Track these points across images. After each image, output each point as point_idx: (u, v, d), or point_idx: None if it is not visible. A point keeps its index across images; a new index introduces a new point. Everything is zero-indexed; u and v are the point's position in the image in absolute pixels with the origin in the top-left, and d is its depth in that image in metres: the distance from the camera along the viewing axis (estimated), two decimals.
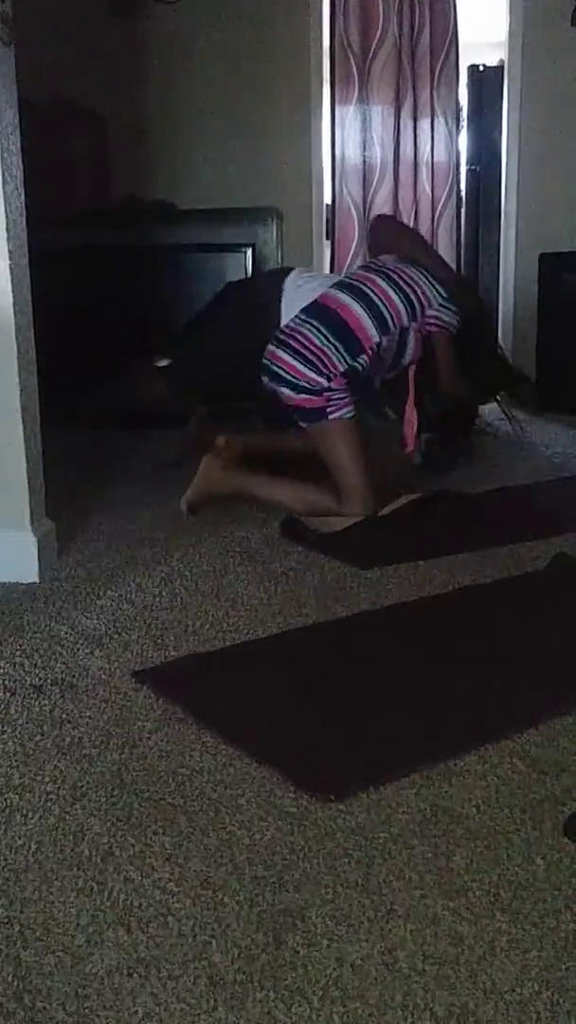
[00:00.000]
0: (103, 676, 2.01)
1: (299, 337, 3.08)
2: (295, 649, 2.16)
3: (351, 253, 5.39)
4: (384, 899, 1.31)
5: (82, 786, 1.60)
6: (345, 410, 3.07)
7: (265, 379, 3.13)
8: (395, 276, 3.18)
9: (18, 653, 2.13)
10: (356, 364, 3.07)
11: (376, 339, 3.08)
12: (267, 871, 1.37)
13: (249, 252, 4.70)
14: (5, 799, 1.57)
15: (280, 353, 3.08)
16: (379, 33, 5.21)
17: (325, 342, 3.05)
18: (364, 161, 5.36)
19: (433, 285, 3.19)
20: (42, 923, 1.28)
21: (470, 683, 1.95)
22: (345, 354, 3.05)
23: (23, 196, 2.55)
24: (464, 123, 5.60)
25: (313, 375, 3.04)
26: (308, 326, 3.09)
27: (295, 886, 1.34)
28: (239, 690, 1.95)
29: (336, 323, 3.07)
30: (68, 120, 4.88)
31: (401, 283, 3.16)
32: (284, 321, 3.22)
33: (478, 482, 3.55)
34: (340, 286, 3.20)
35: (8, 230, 2.45)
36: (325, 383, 3.04)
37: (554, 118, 5.18)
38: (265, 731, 1.76)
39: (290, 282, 3.37)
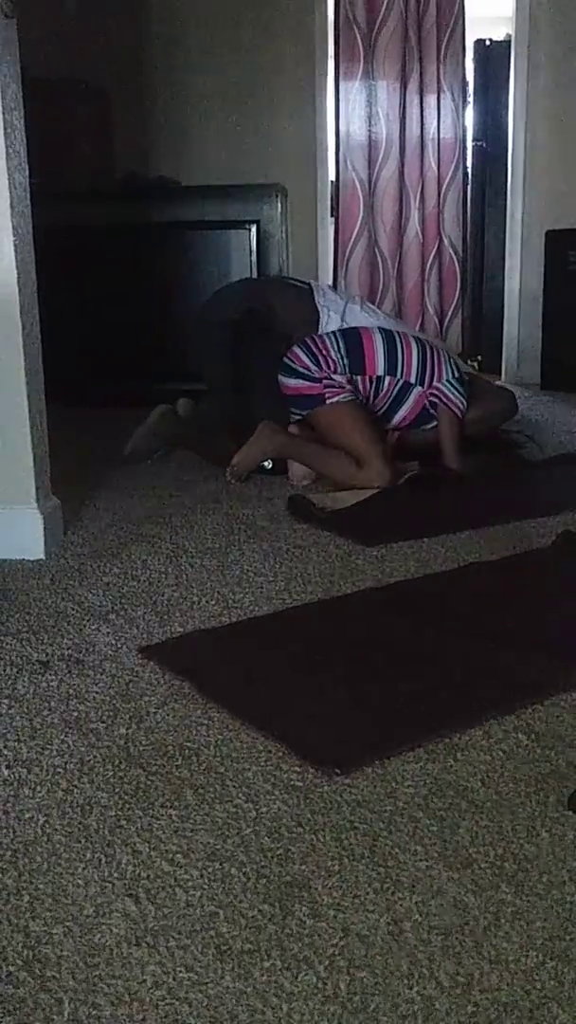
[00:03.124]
0: (109, 652, 2.02)
1: (319, 342, 3.35)
2: (300, 625, 2.16)
3: (355, 231, 5.36)
4: (390, 871, 1.32)
5: (89, 760, 1.61)
6: (343, 395, 3.26)
7: (280, 374, 3.36)
8: (424, 343, 3.45)
9: (24, 629, 2.14)
10: (353, 378, 3.30)
11: (380, 372, 3.33)
12: (274, 843, 1.38)
13: (253, 229, 4.69)
14: (13, 773, 1.58)
15: (297, 350, 3.34)
16: (384, 7, 5.17)
17: (336, 349, 3.31)
18: (369, 137, 5.32)
19: (452, 365, 3.41)
20: (51, 894, 1.29)
21: (475, 658, 1.95)
22: (347, 366, 3.29)
23: (27, 172, 2.54)
24: (470, 98, 5.55)
25: (311, 363, 3.28)
26: (331, 338, 3.36)
27: (301, 858, 1.35)
28: (245, 665, 1.96)
29: (353, 342, 3.34)
30: (71, 96, 4.85)
31: (426, 349, 3.41)
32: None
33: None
34: (382, 329, 3.44)
35: (12, 207, 2.45)
36: (320, 372, 3.26)
37: (561, 93, 5.15)
38: (271, 706, 1.77)
39: (348, 311, 3.63)
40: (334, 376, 3.26)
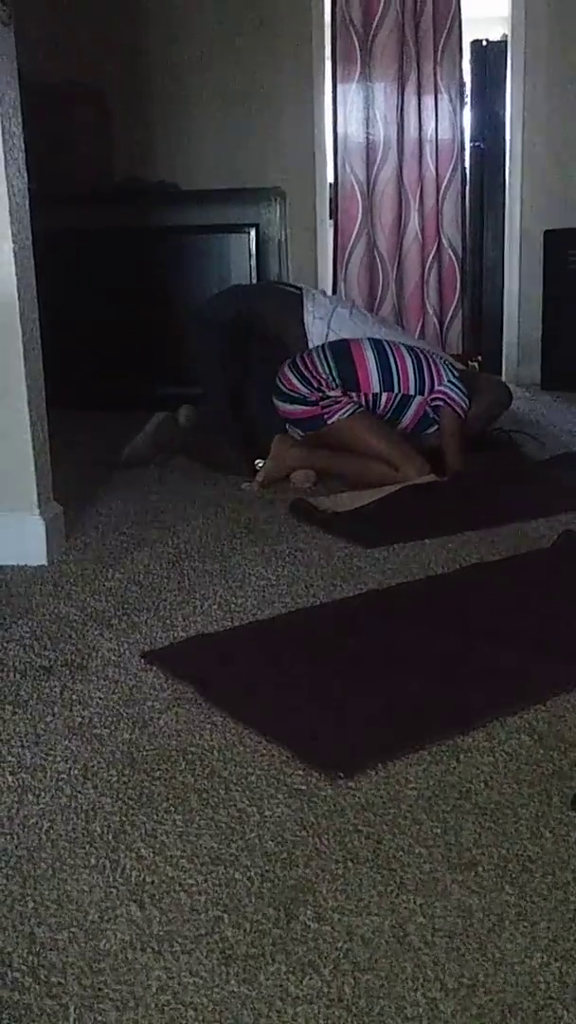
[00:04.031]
0: (112, 657, 2.02)
1: (308, 362, 3.31)
2: (303, 628, 2.17)
3: (354, 233, 5.36)
4: (394, 873, 1.33)
5: (93, 766, 1.61)
6: (343, 410, 3.24)
7: (273, 397, 3.37)
8: (417, 350, 3.40)
9: (28, 635, 2.14)
10: (349, 393, 3.29)
11: (375, 390, 3.30)
12: (278, 847, 1.39)
13: (253, 232, 4.69)
14: (17, 779, 1.58)
15: (288, 373, 3.32)
16: (381, 8, 5.16)
17: (325, 368, 3.27)
18: (367, 139, 5.32)
19: (449, 367, 3.39)
20: (56, 900, 1.29)
21: (477, 660, 1.95)
22: (340, 384, 3.27)
23: (25, 177, 2.54)
24: (468, 99, 5.55)
25: (301, 386, 3.27)
26: (320, 355, 3.32)
27: (305, 861, 1.35)
28: (247, 669, 1.96)
29: (345, 361, 3.30)
30: (70, 100, 4.86)
31: (420, 357, 3.37)
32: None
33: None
34: (373, 341, 3.39)
35: (11, 212, 2.45)
36: (313, 394, 3.25)
37: (558, 92, 5.15)
38: (274, 709, 1.77)
39: (336, 317, 3.62)
40: (329, 393, 3.24)
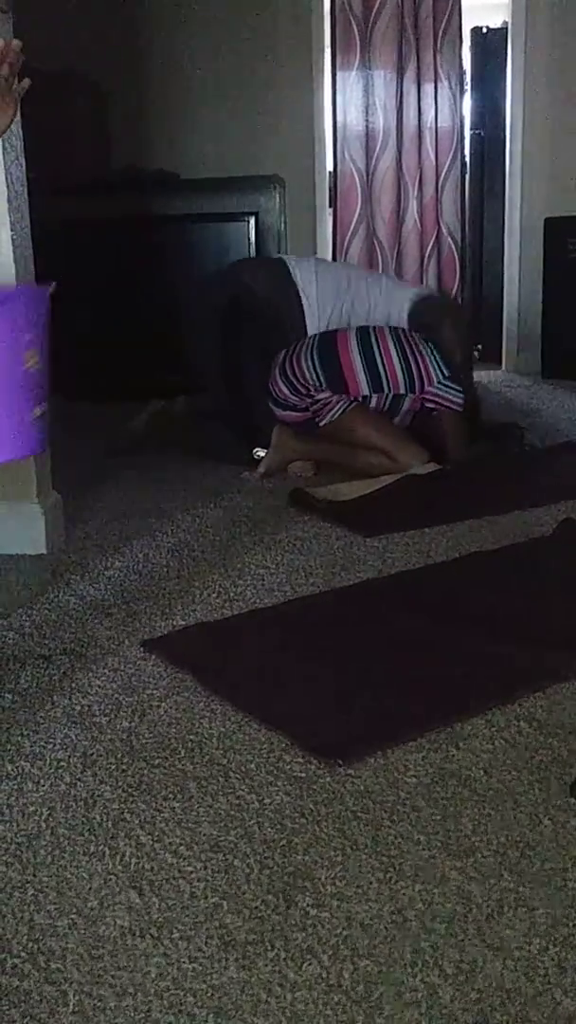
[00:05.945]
0: (111, 645, 2.02)
1: (296, 367, 3.29)
2: (302, 617, 2.17)
3: (353, 221, 5.35)
4: (393, 860, 1.33)
5: (92, 754, 1.62)
6: (333, 411, 3.24)
7: (269, 403, 3.38)
8: (406, 345, 3.31)
9: (27, 623, 2.15)
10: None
11: (365, 392, 3.26)
12: (277, 834, 1.39)
13: (252, 221, 4.67)
14: (17, 767, 1.58)
15: (279, 381, 3.32)
16: None
17: (313, 376, 3.25)
18: (367, 127, 5.30)
19: (438, 363, 3.30)
20: (55, 887, 1.29)
21: (476, 648, 1.95)
22: (326, 388, 3.26)
23: (24, 167, 2.53)
24: (467, 87, 5.53)
25: (290, 394, 3.28)
26: (308, 359, 3.28)
27: (304, 848, 1.36)
28: (247, 657, 1.96)
29: (333, 370, 3.25)
30: (68, 90, 4.83)
31: (408, 354, 3.29)
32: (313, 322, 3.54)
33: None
34: (360, 331, 3.34)
35: (9, 201, 2.44)
36: (303, 401, 3.27)
37: (558, 80, 5.12)
38: (273, 697, 1.77)
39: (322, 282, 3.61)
40: (318, 396, 3.24)
